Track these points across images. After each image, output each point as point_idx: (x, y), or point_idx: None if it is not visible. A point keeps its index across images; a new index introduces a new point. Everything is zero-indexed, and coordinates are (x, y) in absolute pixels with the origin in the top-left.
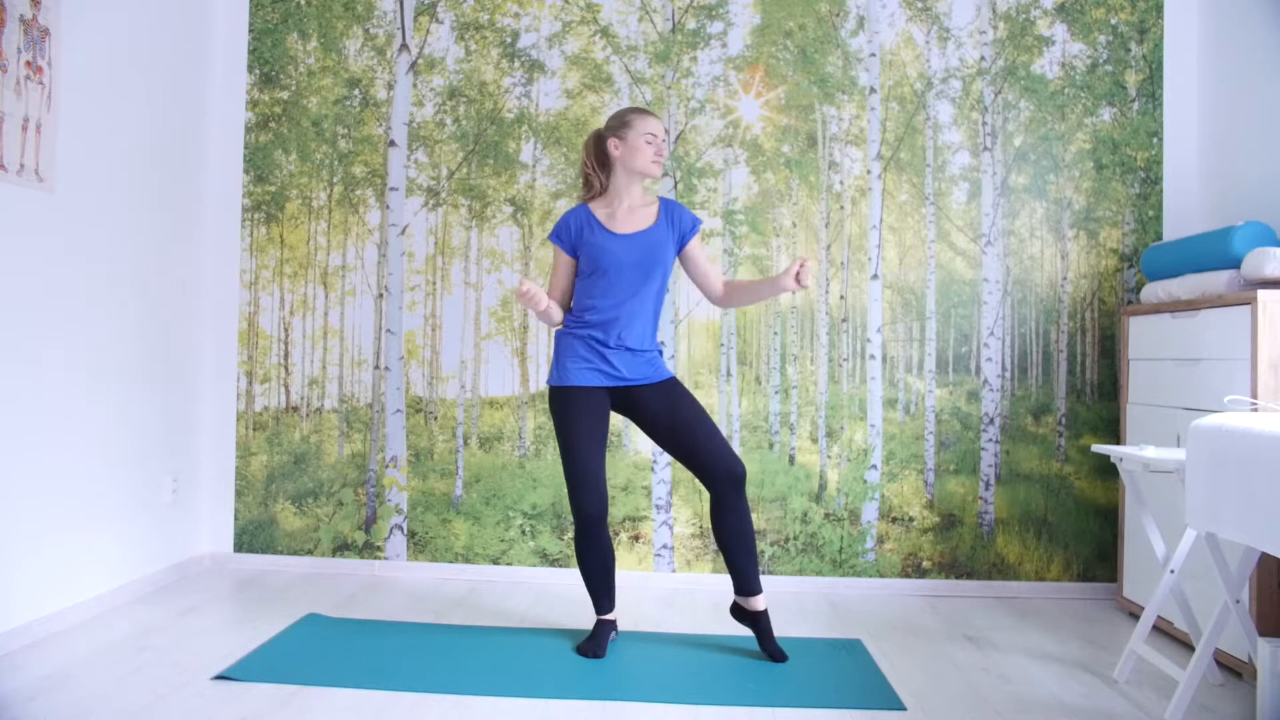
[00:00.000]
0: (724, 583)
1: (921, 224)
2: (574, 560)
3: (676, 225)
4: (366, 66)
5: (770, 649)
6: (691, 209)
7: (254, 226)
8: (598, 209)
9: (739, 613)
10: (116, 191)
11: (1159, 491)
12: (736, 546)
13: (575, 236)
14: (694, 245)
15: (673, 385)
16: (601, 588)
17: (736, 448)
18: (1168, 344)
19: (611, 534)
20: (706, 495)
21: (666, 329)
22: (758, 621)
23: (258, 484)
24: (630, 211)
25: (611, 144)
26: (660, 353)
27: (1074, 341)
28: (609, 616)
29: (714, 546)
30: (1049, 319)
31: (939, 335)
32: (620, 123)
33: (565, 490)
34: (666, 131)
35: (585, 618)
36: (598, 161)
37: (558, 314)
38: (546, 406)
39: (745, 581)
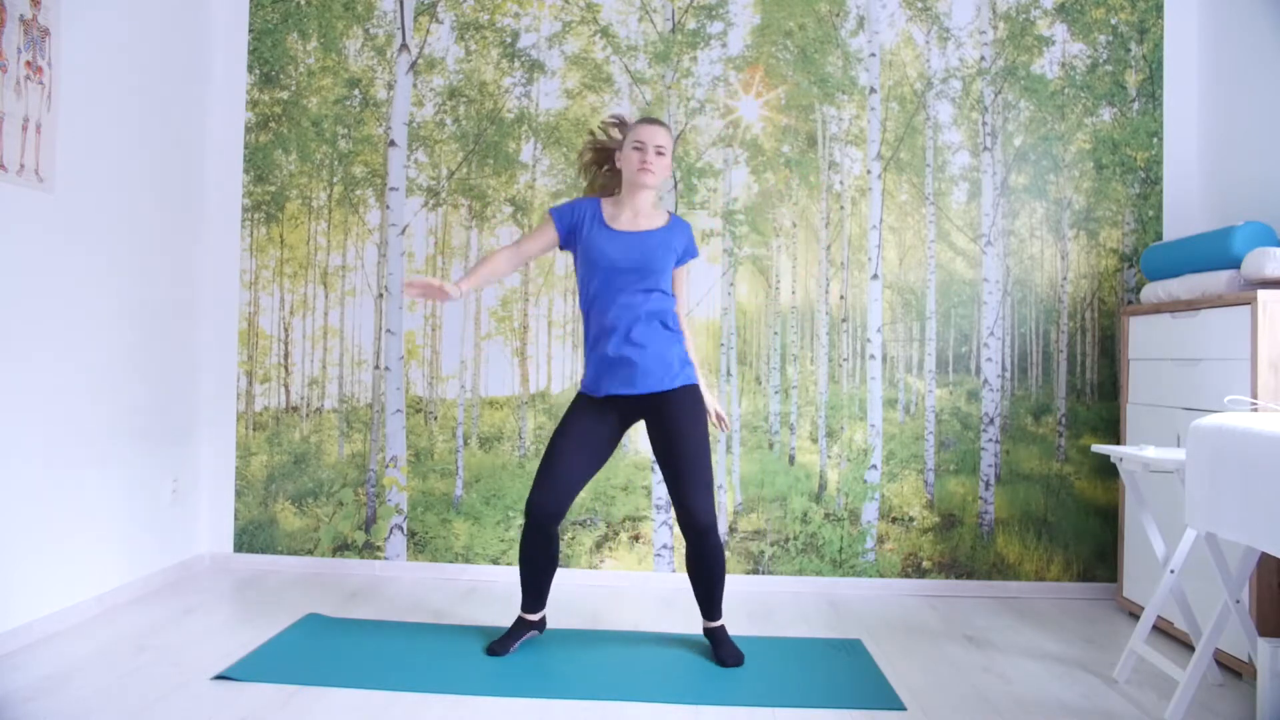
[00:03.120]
0: None
1: (921, 224)
2: (574, 560)
3: (682, 239)
4: (366, 66)
5: (719, 654)
6: (691, 209)
7: (254, 226)
8: (606, 206)
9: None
10: (116, 191)
11: (1159, 491)
12: (693, 582)
13: (576, 222)
14: (680, 271)
15: (679, 401)
16: (535, 586)
17: (736, 448)
18: (1168, 344)
19: (610, 534)
20: None
21: None
22: (710, 634)
23: (258, 484)
24: (635, 217)
25: (615, 153)
26: (669, 352)
27: (1074, 341)
28: (534, 616)
29: None
30: (1049, 319)
31: (939, 335)
32: (625, 129)
33: None
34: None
35: (586, 618)
36: (599, 161)
37: (499, 267)
38: (546, 407)
39: (701, 607)
